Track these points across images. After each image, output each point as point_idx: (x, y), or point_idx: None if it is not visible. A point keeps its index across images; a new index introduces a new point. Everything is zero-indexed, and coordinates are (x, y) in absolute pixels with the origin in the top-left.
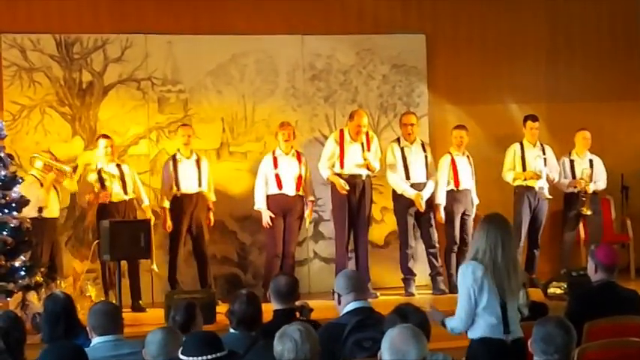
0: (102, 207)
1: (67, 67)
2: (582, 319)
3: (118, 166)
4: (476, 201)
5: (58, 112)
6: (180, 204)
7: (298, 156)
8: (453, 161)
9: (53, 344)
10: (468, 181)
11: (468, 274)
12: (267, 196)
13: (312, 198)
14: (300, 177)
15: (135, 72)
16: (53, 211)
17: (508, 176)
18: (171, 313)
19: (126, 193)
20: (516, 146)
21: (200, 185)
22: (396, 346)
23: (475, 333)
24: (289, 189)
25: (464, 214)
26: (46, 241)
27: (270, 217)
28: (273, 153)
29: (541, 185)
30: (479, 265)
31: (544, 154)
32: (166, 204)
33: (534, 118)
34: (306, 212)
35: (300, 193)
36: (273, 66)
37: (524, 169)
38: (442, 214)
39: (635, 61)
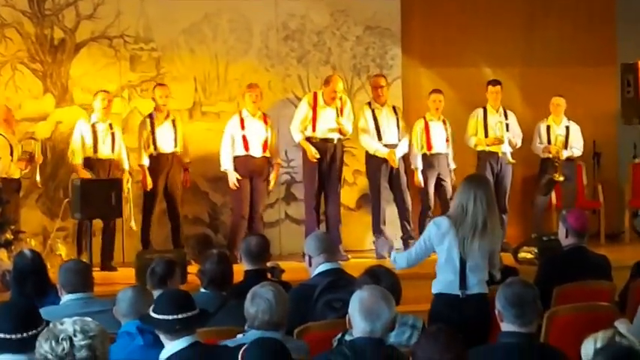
0: (88, 162)
1: (38, 24)
2: (552, 283)
3: (110, 124)
4: (452, 166)
5: (30, 68)
6: (157, 163)
7: (265, 118)
8: (426, 125)
9: (4, 303)
10: (441, 145)
11: (432, 226)
12: (234, 158)
13: (278, 160)
14: (266, 139)
15: (107, 29)
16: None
17: (470, 141)
18: (152, 265)
19: (113, 151)
20: (479, 112)
21: (176, 146)
22: (369, 308)
23: (435, 287)
24: (256, 151)
25: (440, 179)
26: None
27: (237, 178)
28: (240, 114)
29: (504, 150)
30: (447, 219)
31: (506, 119)
32: (145, 161)
33: (495, 83)
34: (272, 175)
35: (267, 155)
36: (247, 25)
37: (486, 134)
38: (420, 177)
39: (611, 27)
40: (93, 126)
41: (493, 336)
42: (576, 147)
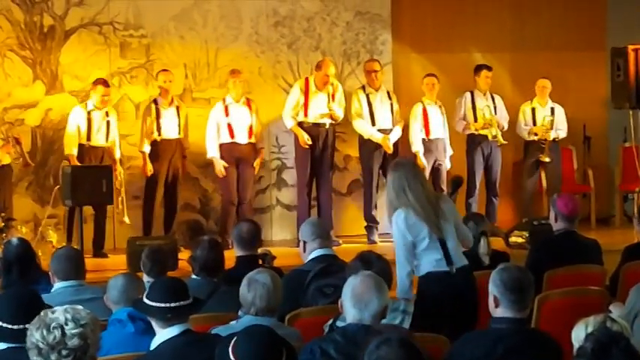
0: (80, 150)
1: (27, 11)
2: (543, 267)
3: (106, 112)
4: (449, 151)
5: (19, 55)
6: (160, 149)
7: (249, 103)
8: (424, 110)
9: (9, 290)
10: (439, 130)
11: (400, 222)
12: (220, 145)
13: (262, 145)
14: (251, 125)
15: (97, 16)
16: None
17: (459, 125)
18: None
19: (107, 140)
20: (467, 96)
21: (180, 132)
22: (359, 296)
23: (421, 270)
24: (241, 138)
25: (437, 163)
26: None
27: (224, 166)
28: (224, 101)
29: (494, 133)
30: (405, 209)
31: (494, 102)
32: (146, 148)
33: (489, 68)
34: (256, 160)
35: (252, 140)
36: (237, 12)
37: (475, 118)
38: (423, 160)
39: (601, 11)
40: (89, 113)
41: (483, 311)
42: (561, 128)
